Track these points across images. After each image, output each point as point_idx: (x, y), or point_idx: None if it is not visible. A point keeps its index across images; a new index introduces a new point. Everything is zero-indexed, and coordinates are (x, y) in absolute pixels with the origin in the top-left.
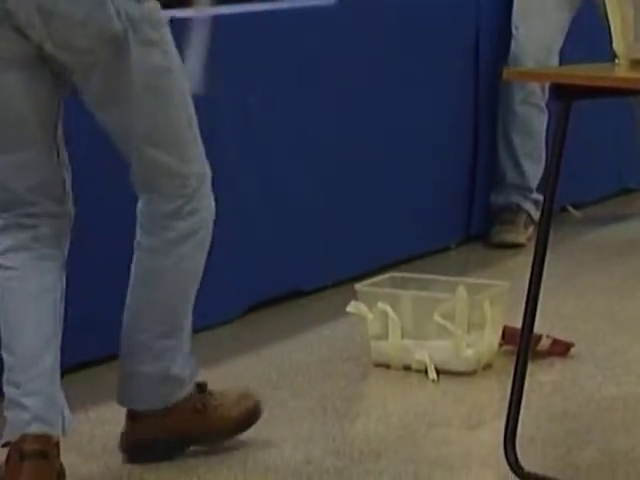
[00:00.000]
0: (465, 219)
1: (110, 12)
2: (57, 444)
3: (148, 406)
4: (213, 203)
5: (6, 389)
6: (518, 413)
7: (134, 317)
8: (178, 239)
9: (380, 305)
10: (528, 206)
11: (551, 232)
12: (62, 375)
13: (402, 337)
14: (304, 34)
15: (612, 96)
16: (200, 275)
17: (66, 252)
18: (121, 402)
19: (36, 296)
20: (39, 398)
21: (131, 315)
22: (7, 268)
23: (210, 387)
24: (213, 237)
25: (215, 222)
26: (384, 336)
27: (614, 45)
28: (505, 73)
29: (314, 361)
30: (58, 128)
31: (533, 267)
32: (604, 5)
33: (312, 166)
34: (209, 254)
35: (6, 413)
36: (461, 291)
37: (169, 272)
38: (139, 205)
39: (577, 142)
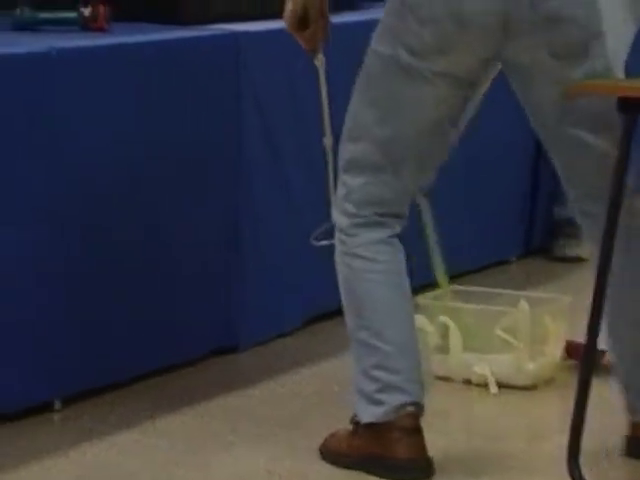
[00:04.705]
0: (526, 232)
1: None
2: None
3: None
4: None
5: (379, 373)
6: (582, 427)
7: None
8: None
9: (441, 318)
10: None
11: None
12: (128, 384)
13: (463, 351)
14: None
15: None
16: None
17: None
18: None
19: (400, 288)
20: (418, 385)
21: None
22: (373, 260)
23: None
24: (273, 249)
25: (273, 235)
26: (445, 349)
27: None
28: (567, 89)
29: None
30: None
31: (596, 281)
32: None
33: None
34: (269, 266)
35: (379, 396)
36: (523, 305)
37: None
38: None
39: None
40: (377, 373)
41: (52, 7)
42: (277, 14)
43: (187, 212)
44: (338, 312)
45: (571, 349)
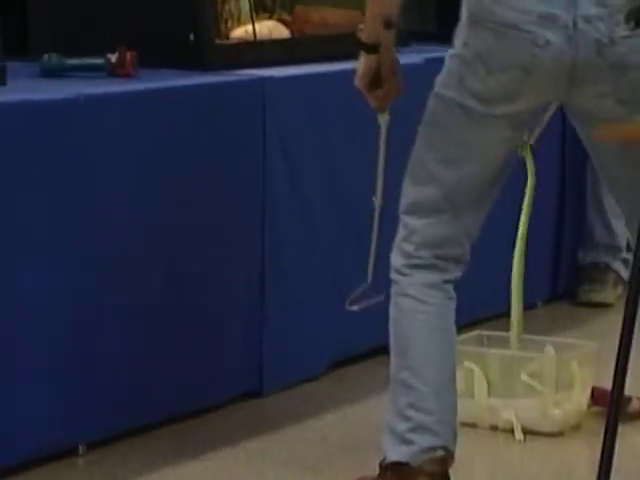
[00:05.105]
0: (551, 277)
1: None
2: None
3: None
4: None
5: (412, 413)
6: (609, 475)
7: None
8: None
9: (466, 363)
10: (617, 265)
11: None
12: (153, 429)
13: (489, 396)
14: None
15: None
16: None
17: None
18: None
19: (446, 332)
20: (450, 430)
21: None
22: (423, 302)
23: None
24: (299, 293)
25: (299, 279)
26: (470, 395)
27: None
28: (596, 132)
29: None
30: None
31: (623, 327)
32: None
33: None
34: (295, 309)
35: (410, 435)
36: (549, 350)
37: None
38: None
39: None
40: (410, 412)
41: (79, 53)
42: (302, 59)
43: (212, 257)
44: (363, 357)
45: (597, 395)
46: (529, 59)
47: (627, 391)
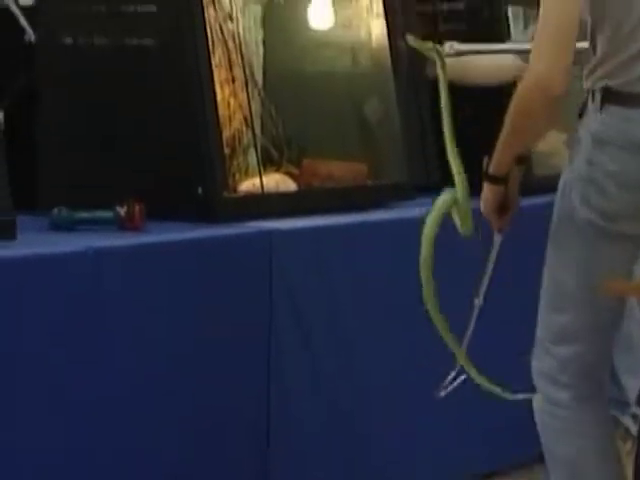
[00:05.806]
0: None
1: None
2: None
3: None
4: None
5: None
6: None
7: None
8: None
9: None
10: (626, 420)
11: None
12: None
13: None
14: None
15: None
16: None
17: None
18: None
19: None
20: None
21: None
22: (594, 439)
23: None
24: (306, 448)
25: (307, 435)
26: None
27: None
28: (603, 289)
29: None
30: None
31: None
32: None
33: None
34: (300, 467)
35: None
36: None
37: None
38: None
39: None
40: None
41: (89, 206)
42: (309, 212)
43: (216, 408)
44: None
45: None
46: None
47: None
